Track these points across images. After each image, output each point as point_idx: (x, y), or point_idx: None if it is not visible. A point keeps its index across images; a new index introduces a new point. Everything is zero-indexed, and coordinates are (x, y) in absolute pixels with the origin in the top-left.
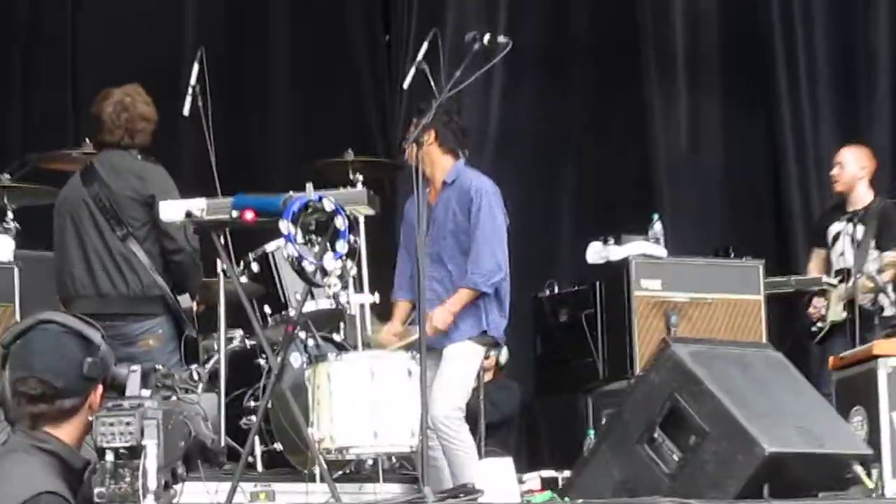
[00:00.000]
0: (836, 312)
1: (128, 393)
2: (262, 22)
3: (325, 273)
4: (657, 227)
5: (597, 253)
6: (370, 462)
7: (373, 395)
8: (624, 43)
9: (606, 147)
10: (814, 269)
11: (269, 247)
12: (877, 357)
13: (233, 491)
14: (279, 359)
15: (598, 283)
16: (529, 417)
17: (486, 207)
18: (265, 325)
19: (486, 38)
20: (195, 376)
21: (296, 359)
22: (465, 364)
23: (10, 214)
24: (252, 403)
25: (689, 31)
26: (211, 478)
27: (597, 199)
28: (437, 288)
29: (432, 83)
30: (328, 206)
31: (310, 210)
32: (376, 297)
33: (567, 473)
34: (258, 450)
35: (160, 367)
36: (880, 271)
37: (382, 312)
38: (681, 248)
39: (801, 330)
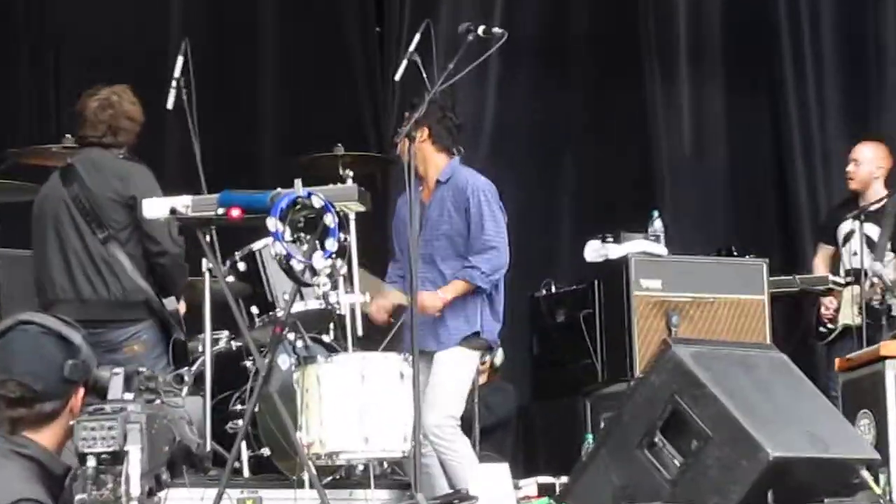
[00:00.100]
0: (849, 315)
1: (110, 396)
2: (250, 11)
3: (314, 272)
4: (657, 224)
5: (595, 251)
6: (361, 468)
7: (363, 399)
8: (625, 35)
9: (606, 143)
10: (819, 265)
11: (257, 245)
12: (884, 358)
13: (219, 498)
14: (267, 361)
15: (596, 283)
16: (526, 421)
17: (484, 205)
18: (252, 325)
19: (481, 29)
20: (180, 379)
21: (284, 361)
22: (457, 370)
23: None
24: (239, 407)
25: (692, 24)
26: (196, 484)
27: (596, 196)
28: (429, 288)
29: (424, 76)
30: (317, 202)
31: (298, 207)
32: (367, 297)
33: (564, 479)
34: (245, 455)
35: (143, 369)
36: None
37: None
38: (683, 247)
39: (806, 330)
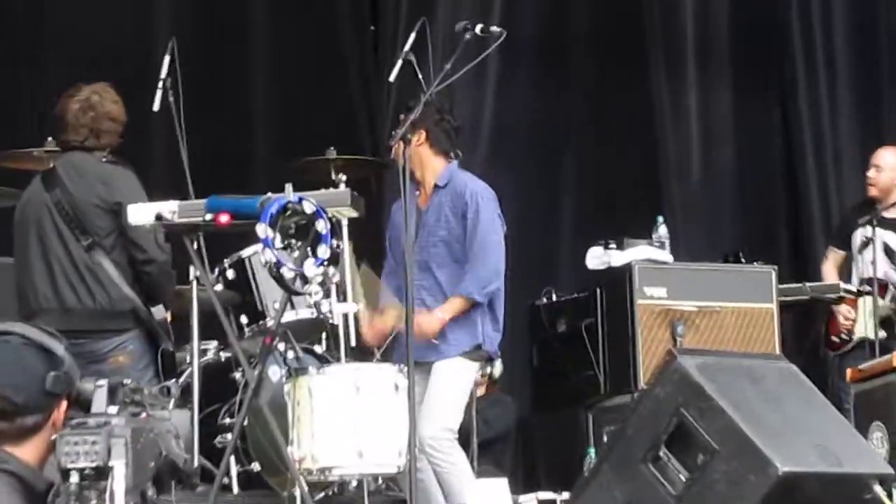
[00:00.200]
0: (868, 328)
1: (94, 409)
2: (240, 8)
3: (305, 280)
4: (662, 230)
5: (597, 258)
6: (354, 483)
7: (357, 412)
8: (627, 31)
9: (609, 144)
10: (829, 270)
11: (246, 252)
12: None
13: None
14: (256, 372)
15: (598, 291)
16: (525, 435)
17: (483, 212)
18: (241, 336)
19: (479, 27)
20: (167, 391)
21: (274, 372)
22: (455, 380)
23: None
24: (227, 420)
25: (698, 18)
26: (183, 500)
27: (598, 200)
28: (425, 297)
29: (420, 76)
30: (309, 208)
31: (289, 213)
32: (360, 306)
33: (566, 495)
34: (234, 470)
35: (128, 381)
36: None
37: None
38: (688, 253)
39: (817, 340)
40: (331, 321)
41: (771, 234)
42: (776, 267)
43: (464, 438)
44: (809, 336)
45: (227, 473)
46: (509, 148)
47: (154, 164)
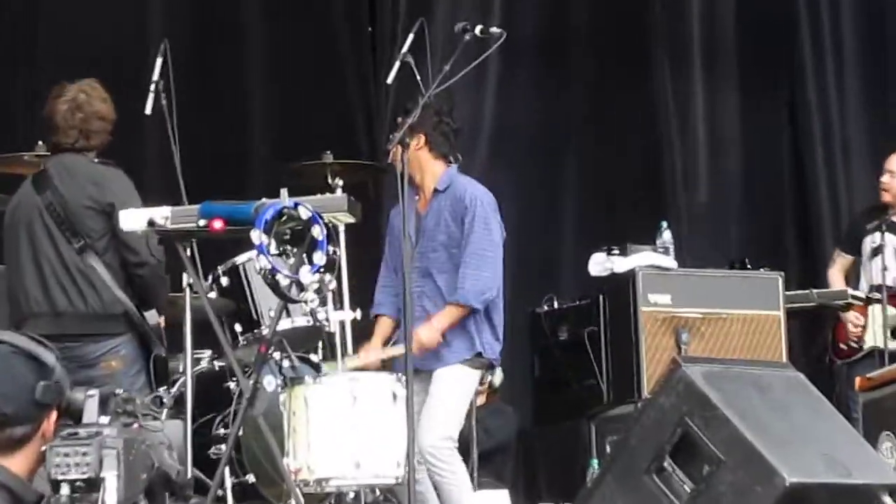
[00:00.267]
0: (878, 336)
1: (85, 420)
2: (237, 9)
3: (301, 287)
4: (666, 235)
5: (600, 264)
6: (351, 495)
7: (354, 421)
8: (630, 29)
9: (611, 146)
10: (836, 275)
11: (240, 259)
12: None
13: None
14: (251, 382)
15: (601, 298)
16: (526, 445)
17: (480, 217)
18: (236, 344)
19: (478, 28)
20: (159, 401)
21: (269, 382)
22: (457, 387)
23: None
24: (222, 431)
25: (704, 15)
26: None
27: (601, 204)
28: (426, 303)
29: (419, 78)
30: (304, 213)
31: (284, 218)
32: (357, 314)
33: None
34: (228, 482)
35: (120, 391)
36: None
37: (362, 334)
38: (693, 260)
39: (824, 347)
40: (327, 329)
41: (778, 236)
42: (783, 273)
43: (463, 448)
44: (817, 343)
45: (222, 485)
46: (509, 148)
47: (147, 167)
